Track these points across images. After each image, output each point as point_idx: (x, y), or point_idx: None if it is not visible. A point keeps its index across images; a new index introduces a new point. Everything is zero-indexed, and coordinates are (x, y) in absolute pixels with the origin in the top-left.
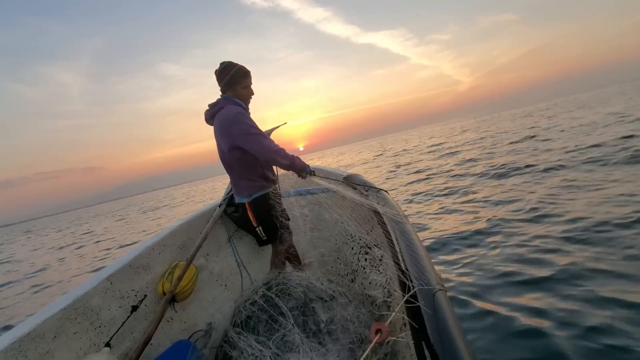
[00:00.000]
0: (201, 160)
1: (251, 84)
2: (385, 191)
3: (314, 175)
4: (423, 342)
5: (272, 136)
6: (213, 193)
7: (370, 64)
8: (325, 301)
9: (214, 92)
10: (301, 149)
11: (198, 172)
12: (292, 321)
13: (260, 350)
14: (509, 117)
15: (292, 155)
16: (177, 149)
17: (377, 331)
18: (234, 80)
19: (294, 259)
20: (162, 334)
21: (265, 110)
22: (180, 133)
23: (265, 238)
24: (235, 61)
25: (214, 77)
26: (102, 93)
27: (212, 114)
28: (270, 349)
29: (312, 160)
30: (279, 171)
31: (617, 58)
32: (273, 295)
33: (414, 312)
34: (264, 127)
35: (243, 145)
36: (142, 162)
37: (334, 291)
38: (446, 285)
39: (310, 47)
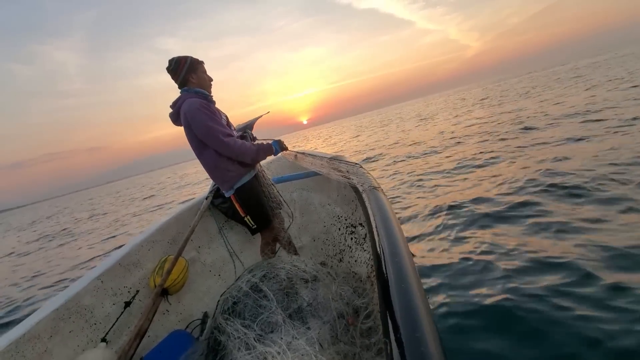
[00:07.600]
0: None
1: (206, 71)
2: (359, 165)
3: (284, 148)
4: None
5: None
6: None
7: (373, 30)
8: (308, 281)
9: (212, 67)
10: (305, 122)
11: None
12: (274, 303)
13: (245, 333)
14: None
15: (255, 147)
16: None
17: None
18: (191, 69)
19: (289, 245)
20: (159, 326)
21: (266, 83)
22: None
23: (256, 227)
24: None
25: (210, 50)
26: (99, 70)
27: (177, 113)
28: (255, 330)
29: (310, 141)
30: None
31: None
32: (257, 280)
33: (384, 290)
34: (243, 117)
35: (207, 143)
36: (145, 141)
37: (317, 272)
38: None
39: (311, 14)
